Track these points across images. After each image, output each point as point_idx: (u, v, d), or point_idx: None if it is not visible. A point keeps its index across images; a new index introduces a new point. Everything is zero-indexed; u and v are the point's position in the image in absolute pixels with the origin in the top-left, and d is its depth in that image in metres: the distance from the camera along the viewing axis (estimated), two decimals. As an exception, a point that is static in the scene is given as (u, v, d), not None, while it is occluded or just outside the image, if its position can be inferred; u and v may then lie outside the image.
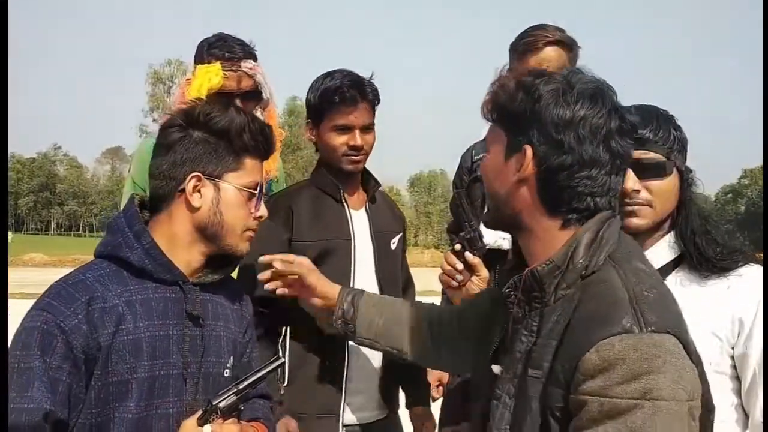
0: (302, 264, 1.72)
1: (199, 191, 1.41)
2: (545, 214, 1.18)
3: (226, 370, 1.48)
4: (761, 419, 1.46)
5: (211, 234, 1.43)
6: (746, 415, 1.51)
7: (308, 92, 2.08)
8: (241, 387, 1.35)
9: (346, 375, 1.99)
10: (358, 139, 2.03)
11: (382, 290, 2.05)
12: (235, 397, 1.34)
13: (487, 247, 1.80)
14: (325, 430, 1.97)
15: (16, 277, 20.40)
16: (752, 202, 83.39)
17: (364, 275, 2.06)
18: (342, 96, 1.98)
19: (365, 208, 2.16)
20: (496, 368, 1.24)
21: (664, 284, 1.19)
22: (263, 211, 1.48)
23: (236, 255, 1.48)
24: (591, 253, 1.13)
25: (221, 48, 2.10)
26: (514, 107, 1.17)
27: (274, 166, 2.21)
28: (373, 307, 1.68)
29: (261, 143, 1.46)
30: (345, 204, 2.09)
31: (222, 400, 1.33)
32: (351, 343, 1.85)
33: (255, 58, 2.15)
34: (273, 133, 1.52)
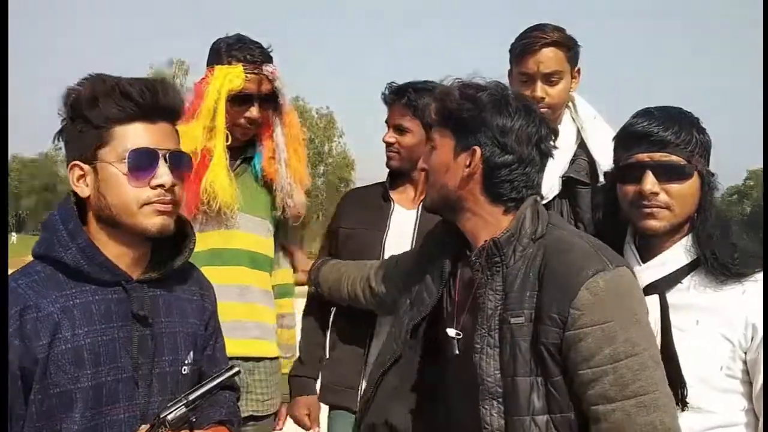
0: None
1: (84, 179, 1.31)
2: (489, 202, 1.47)
3: (185, 367, 1.41)
4: None
5: (109, 220, 1.31)
6: (757, 419, 1.53)
7: None
8: (191, 398, 1.28)
9: (367, 357, 2.22)
10: (387, 135, 2.25)
11: None
12: (185, 409, 1.27)
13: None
14: (349, 400, 2.22)
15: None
16: (758, 204, 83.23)
17: None
18: (383, 96, 2.29)
19: (417, 208, 2.26)
20: (451, 331, 1.51)
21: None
22: (161, 178, 1.30)
23: (149, 234, 1.32)
24: (536, 223, 1.44)
25: (242, 50, 2.10)
26: (463, 114, 1.45)
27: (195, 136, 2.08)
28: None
29: (136, 105, 1.28)
30: (390, 200, 2.28)
31: (171, 413, 1.26)
32: (374, 331, 2.21)
33: (272, 62, 2.17)
34: (170, 90, 1.35)
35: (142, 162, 1.29)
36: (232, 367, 1.34)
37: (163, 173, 1.30)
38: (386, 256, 2.16)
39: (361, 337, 2.24)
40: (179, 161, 1.35)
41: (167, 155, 1.31)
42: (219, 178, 2.05)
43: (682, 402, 1.50)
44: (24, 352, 1.22)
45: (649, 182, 1.55)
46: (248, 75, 2.08)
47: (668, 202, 1.56)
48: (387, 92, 2.28)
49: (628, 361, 1.31)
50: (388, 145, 2.27)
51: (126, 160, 1.27)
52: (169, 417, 1.25)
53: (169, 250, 1.42)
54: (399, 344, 1.58)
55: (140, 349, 1.33)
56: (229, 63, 2.09)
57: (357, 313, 2.14)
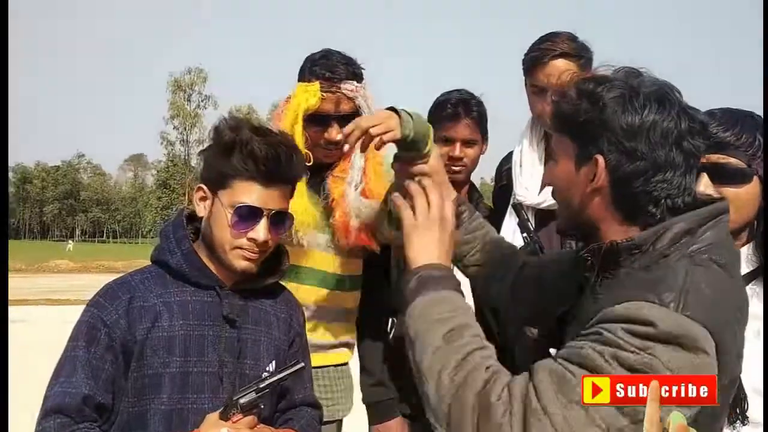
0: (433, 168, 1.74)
1: (204, 201, 1.53)
2: (622, 221, 1.18)
3: (265, 373, 1.53)
4: None
5: (209, 245, 1.53)
6: None
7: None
8: (261, 386, 1.41)
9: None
10: (457, 150, 2.24)
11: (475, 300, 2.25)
12: (255, 395, 1.40)
13: (541, 206, 1.95)
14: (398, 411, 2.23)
15: (42, 282, 20.77)
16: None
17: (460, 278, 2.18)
18: (446, 110, 2.26)
19: None
20: (532, 331, 1.37)
21: (743, 301, 1.15)
22: (257, 234, 1.48)
23: (235, 271, 1.52)
24: (678, 245, 1.11)
25: (323, 66, 2.01)
26: (580, 117, 1.18)
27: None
28: (479, 229, 1.72)
29: (256, 169, 1.45)
30: None
31: (242, 396, 1.40)
32: None
33: (360, 78, 2.05)
34: (293, 161, 1.49)
35: (245, 217, 1.47)
36: (297, 362, 1.46)
37: (261, 230, 1.48)
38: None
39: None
40: (280, 220, 1.53)
41: (270, 214, 1.49)
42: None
43: (742, 416, 1.42)
44: (127, 331, 1.44)
45: (704, 184, 1.46)
46: (324, 94, 1.98)
47: None
48: (451, 109, 2.25)
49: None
50: (457, 160, 2.26)
51: (233, 211, 1.46)
52: (242, 401, 1.39)
53: (264, 267, 1.59)
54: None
55: (226, 349, 1.50)
56: (309, 80, 2.01)
57: None
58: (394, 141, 1.59)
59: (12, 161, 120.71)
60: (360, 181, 2.03)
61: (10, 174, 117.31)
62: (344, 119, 1.94)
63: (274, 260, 1.63)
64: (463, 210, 1.67)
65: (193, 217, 1.59)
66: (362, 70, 2.07)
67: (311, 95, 1.97)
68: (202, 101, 53.90)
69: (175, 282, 1.52)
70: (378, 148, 1.60)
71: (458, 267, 1.67)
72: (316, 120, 2.00)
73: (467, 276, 1.70)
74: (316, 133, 2.01)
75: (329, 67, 2.00)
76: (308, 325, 1.90)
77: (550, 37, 2.17)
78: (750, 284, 1.48)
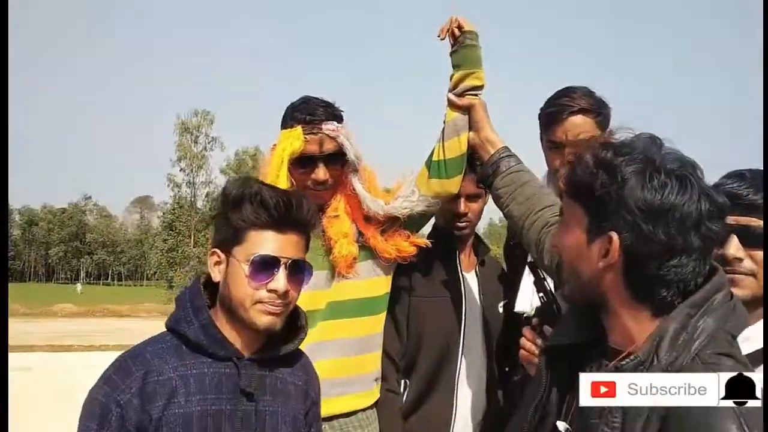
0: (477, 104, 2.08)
1: (219, 266, 1.50)
2: (633, 299, 1.15)
3: None
4: None
5: (229, 308, 1.49)
6: None
7: None
8: None
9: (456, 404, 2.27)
10: (461, 206, 2.25)
11: (488, 349, 2.32)
12: None
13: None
14: None
15: (45, 328, 20.63)
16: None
17: (473, 333, 2.28)
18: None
19: (475, 270, 2.39)
20: (561, 425, 1.25)
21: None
22: (276, 284, 1.45)
23: (256, 328, 1.47)
24: (677, 350, 1.08)
25: (303, 111, 2.09)
26: (597, 189, 1.13)
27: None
28: (514, 186, 1.91)
29: (268, 216, 1.45)
30: (458, 265, 2.32)
31: None
32: (458, 394, 2.24)
33: (339, 120, 2.13)
34: (304, 205, 1.50)
35: (263, 267, 1.45)
36: None
37: (280, 279, 1.45)
38: (467, 322, 2.26)
39: (450, 382, 2.26)
40: (298, 270, 1.50)
41: (288, 263, 1.46)
42: None
43: None
44: (141, 410, 1.39)
45: (734, 247, 1.45)
46: (307, 136, 2.05)
47: (753, 270, 1.45)
48: None
49: None
50: (462, 216, 2.29)
51: (249, 263, 1.44)
52: None
53: (282, 333, 1.56)
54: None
55: (243, 424, 1.46)
56: (292, 126, 2.08)
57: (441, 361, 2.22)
58: (460, 33, 2.05)
59: (19, 203, 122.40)
60: (380, 201, 2.13)
61: (17, 216, 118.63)
62: (329, 159, 2.08)
63: (292, 323, 1.59)
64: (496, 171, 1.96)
65: (209, 283, 1.55)
66: (341, 112, 2.15)
67: (295, 139, 2.04)
68: (209, 143, 54.45)
69: (191, 353, 1.48)
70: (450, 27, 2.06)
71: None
72: (302, 162, 2.07)
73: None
74: (303, 174, 2.09)
75: (309, 111, 2.08)
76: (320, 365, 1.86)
77: (568, 93, 2.16)
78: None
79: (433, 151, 2.15)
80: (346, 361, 2.10)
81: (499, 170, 1.92)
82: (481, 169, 2.02)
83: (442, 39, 2.08)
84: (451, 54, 2.08)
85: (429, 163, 2.15)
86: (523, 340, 1.71)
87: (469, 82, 2.04)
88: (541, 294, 1.69)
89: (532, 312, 1.84)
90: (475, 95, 2.07)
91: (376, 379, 2.22)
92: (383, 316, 2.22)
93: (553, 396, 1.28)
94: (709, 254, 1.14)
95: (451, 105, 2.08)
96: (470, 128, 2.07)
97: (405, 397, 2.25)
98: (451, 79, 2.08)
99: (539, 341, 1.63)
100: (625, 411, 1.10)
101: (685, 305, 1.11)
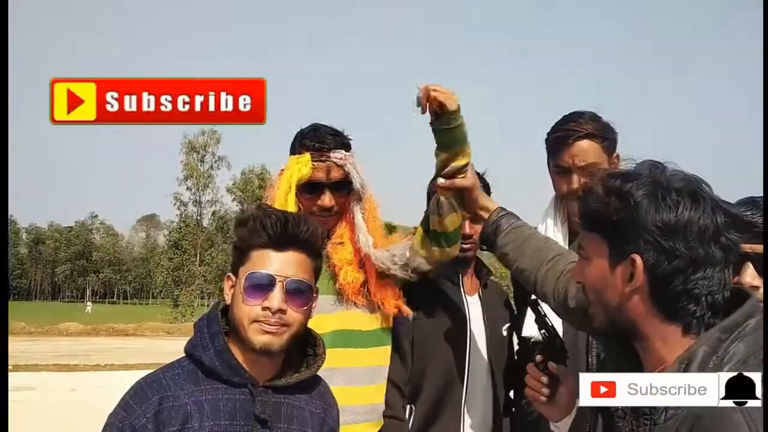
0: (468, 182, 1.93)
1: (232, 289, 1.52)
2: (663, 320, 1.14)
3: None
4: None
5: (235, 330, 1.49)
6: None
7: None
8: None
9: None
10: (466, 228, 2.22)
11: (493, 373, 2.30)
12: None
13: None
14: None
15: (48, 347, 20.61)
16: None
17: (478, 357, 2.27)
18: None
19: (479, 294, 2.38)
20: None
21: None
22: (270, 301, 1.45)
23: (253, 348, 1.46)
24: (708, 371, 1.07)
25: (312, 138, 2.12)
26: (612, 216, 1.16)
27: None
28: (518, 241, 1.83)
29: (266, 235, 1.47)
30: (461, 288, 2.32)
31: None
32: (464, 418, 2.21)
33: (348, 148, 2.17)
34: (301, 223, 1.51)
35: (258, 285, 1.46)
36: None
37: (274, 298, 1.45)
38: (472, 346, 2.25)
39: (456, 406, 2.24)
40: (296, 289, 1.48)
41: (286, 282, 1.46)
42: None
43: None
44: None
45: (750, 275, 1.45)
46: (315, 163, 2.09)
47: None
48: None
49: None
50: (467, 237, 2.26)
51: (245, 280, 1.46)
52: None
53: (299, 360, 1.57)
54: None
55: None
56: (300, 152, 2.12)
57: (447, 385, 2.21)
58: (442, 113, 1.81)
59: (26, 222, 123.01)
60: (370, 239, 2.13)
61: (24, 235, 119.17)
62: (335, 186, 2.12)
63: (309, 350, 1.59)
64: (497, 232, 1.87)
65: (228, 309, 1.55)
66: (350, 140, 2.18)
67: (303, 165, 2.08)
68: (215, 162, 54.63)
69: (207, 379, 1.48)
70: (430, 104, 1.80)
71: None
72: (308, 188, 2.11)
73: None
74: (309, 200, 2.12)
75: (318, 139, 2.11)
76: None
77: (574, 118, 2.16)
78: None
79: (428, 219, 2.10)
80: (355, 390, 2.09)
81: (500, 228, 1.87)
82: (482, 231, 1.94)
83: (423, 113, 1.91)
84: (434, 130, 1.90)
85: (426, 227, 2.10)
86: (528, 378, 1.69)
87: (457, 163, 1.91)
88: (543, 331, 1.68)
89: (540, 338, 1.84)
90: (464, 175, 1.94)
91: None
92: (390, 348, 2.22)
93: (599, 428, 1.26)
94: (732, 265, 1.14)
95: (443, 190, 1.97)
96: (464, 201, 1.98)
97: (411, 422, 2.21)
98: (436, 157, 1.94)
99: (544, 379, 1.62)
100: None
101: (717, 329, 1.10)
